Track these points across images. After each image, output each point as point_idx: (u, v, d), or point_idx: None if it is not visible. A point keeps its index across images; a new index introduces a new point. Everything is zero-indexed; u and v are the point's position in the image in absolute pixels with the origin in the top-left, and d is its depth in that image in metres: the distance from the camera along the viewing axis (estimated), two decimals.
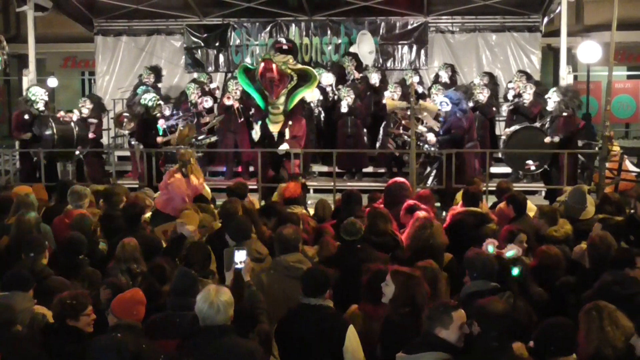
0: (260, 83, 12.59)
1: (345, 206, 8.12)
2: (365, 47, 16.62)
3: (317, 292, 5.29)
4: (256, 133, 12.88)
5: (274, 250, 6.37)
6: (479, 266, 5.63)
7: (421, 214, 7.17)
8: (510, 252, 6.05)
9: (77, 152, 13.63)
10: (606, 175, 11.47)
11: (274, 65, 12.38)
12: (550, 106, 13.10)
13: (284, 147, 12.60)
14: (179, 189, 9.45)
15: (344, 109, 14.44)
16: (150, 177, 12.26)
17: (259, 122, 12.86)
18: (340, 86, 15.18)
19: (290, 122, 12.75)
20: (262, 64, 12.46)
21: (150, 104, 13.24)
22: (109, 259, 6.96)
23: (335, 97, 14.89)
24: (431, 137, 12.66)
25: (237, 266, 5.61)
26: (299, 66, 13.14)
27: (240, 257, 5.62)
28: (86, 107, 14.36)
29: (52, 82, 20.79)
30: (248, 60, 17.42)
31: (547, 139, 12.92)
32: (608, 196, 8.81)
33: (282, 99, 12.59)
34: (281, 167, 12.72)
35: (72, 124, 13.37)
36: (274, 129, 12.69)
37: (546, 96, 13.32)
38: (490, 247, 6.08)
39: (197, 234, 7.19)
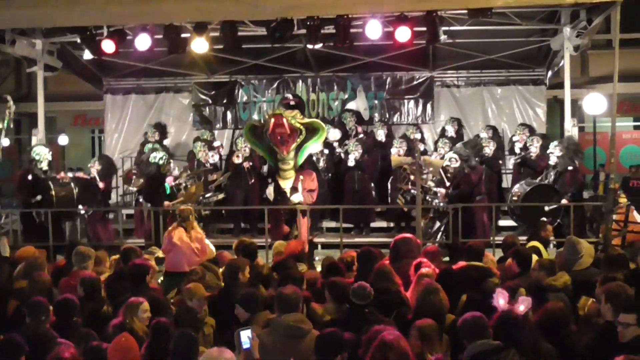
0: (270, 139, 12.61)
1: (363, 264, 8.10)
2: (361, 103, 16.88)
3: (331, 355, 5.25)
4: (270, 195, 12.81)
5: (274, 309, 6.35)
6: (473, 328, 5.58)
7: (425, 270, 7.16)
8: (521, 306, 5.99)
9: (82, 212, 13.65)
10: (613, 228, 11.42)
11: (284, 120, 12.44)
12: (553, 160, 13.11)
13: (298, 197, 12.59)
14: (186, 243, 9.58)
15: (351, 162, 14.49)
16: (157, 236, 12.24)
17: (272, 183, 12.79)
18: (347, 141, 15.27)
19: (301, 177, 12.77)
20: (273, 120, 12.51)
21: (160, 162, 13.31)
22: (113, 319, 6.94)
23: (342, 154, 14.94)
24: (441, 190, 12.67)
25: (244, 347, 5.58)
26: (307, 120, 13.25)
27: (245, 337, 5.60)
28: (95, 167, 14.41)
29: (63, 139, 21.03)
30: (255, 116, 17.60)
31: (564, 201, 12.86)
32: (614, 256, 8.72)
33: (291, 154, 12.64)
34: (294, 224, 12.66)
35: (72, 184, 13.40)
36: (286, 185, 12.67)
37: (548, 151, 13.35)
38: (501, 300, 6.03)
39: (204, 306, 7.15)
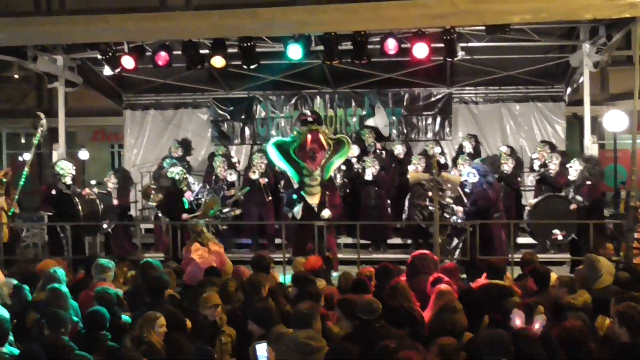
0: (298, 155, 12.49)
1: (381, 280, 8.09)
2: (381, 120, 16.83)
3: None
4: (298, 213, 12.71)
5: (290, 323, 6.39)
6: (497, 345, 5.57)
7: (443, 287, 7.15)
8: (536, 324, 5.97)
9: (105, 226, 13.75)
10: (634, 246, 11.32)
11: (321, 136, 12.46)
12: (572, 175, 13.03)
13: (327, 213, 12.57)
14: (204, 257, 9.64)
15: (367, 176, 14.48)
16: (175, 250, 12.28)
17: (300, 203, 12.68)
18: (365, 157, 15.27)
19: (327, 192, 12.76)
20: (310, 135, 12.42)
21: (177, 177, 13.36)
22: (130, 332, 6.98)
23: (360, 169, 14.93)
24: (458, 208, 12.61)
25: None
26: (334, 136, 13.26)
27: (261, 350, 5.61)
28: (111, 182, 14.47)
29: (83, 154, 21.15)
30: (273, 132, 17.68)
31: (573, 206, 12.80)
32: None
33: (319, 170, 12.61)
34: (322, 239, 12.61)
35: (97, 200, 13.52)
36: (313, 200, 12.58)
37: (568, 165, 13.27)
38: (517, 320, 6.01)
39: (220, 313, 7.18)
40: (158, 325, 6.65)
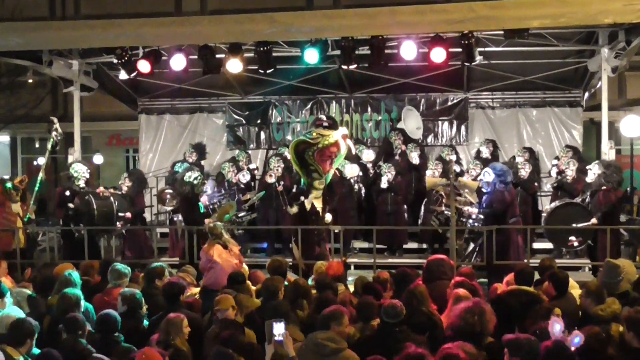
0: (316, 157, 11.94)
1: (399, 285, 8.08)
2: (412, 122, 16.71)
3: None
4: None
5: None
6: (526, 349, 5.53)
7: (461, 291, 7.18)
8: (577, 338, 5.84)
9: (119, 226, 13.73)
10: None
11: (349, 142, 12.35)
12: (590, 178, 12.92)
13: (330, 216, 12.48)
14: (226, 260, 9.63)
15: (383, 184, 14.42)
16: (191, 255, 12.25)
17: (300, 200, 12.55)
18: (381, 163, 15.21)
19: (327, 197, 12.69)
20: (340, 140, 12.00)
21: (195, 182, 13.30)
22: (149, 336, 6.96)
23: (376, 172, 14.87)
24: (472, 209, 12.51)
25: (276, 338, 5.57)
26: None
27: (279, 329, 5.58)
28: (125, 184, 14.43)
29: (98, 159, 21.27)
30: (289, 137, 17.64)
31: (594, 220, 12.64)
32: None
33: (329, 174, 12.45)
34: (322, 243, 12.58)
35: (112, 198, 13.47)
36: (320, 204, 12.46)
37: (587, 167, 13.17)
38: (557, 325, 5.90)
39: (233, 314, 7.16)
40: (184, 326, 6.71)
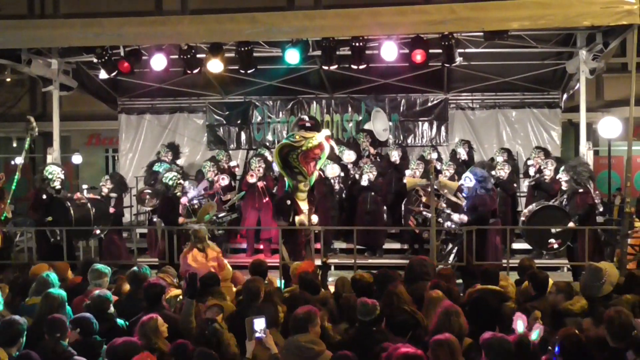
0: (300, 159, 11.88)
1: (380, 286, 8.06)
2: (379, 124, 16.80)
3: None
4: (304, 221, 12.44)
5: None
6: (497, 349, 5.59)
7: (434, 293, 7.24)
8: (535, 332, 5.98)
9: (98, 232, 13.67)
10: (628, 252, 11.32)
11: (331, 142, 12.36)
12: (564, 186, 12.98)
13: (316, 218, 12.44)
14: (202, 263, 9.60)
15: (364, 182, 14.43)
16: (171, 255, 12.20)
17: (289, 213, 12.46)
18: (361, 162, 15.24)
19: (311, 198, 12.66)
20: (323, 141, 11.97)
21: (170, 182, 13.23)
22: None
23: (357, 174, 14.89)
24: (462, 217, 12.44)
25: (257, 335, 5.57)
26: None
27: (259, 325, 5.58)
28: (107, 186, 14.39)
29: (77, 159, 21.08)
30: (270, 137, 17.71)
31: (571, 224, 12.68)
32: (635, 275, 8.63)
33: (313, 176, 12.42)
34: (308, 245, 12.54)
35: (89, 205, 13.40)
36: (306, 205, 12.40)
37: (557, 177, 13.23)
38: (520, 322, 6.00)
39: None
40: (160, 325, 6.64)
